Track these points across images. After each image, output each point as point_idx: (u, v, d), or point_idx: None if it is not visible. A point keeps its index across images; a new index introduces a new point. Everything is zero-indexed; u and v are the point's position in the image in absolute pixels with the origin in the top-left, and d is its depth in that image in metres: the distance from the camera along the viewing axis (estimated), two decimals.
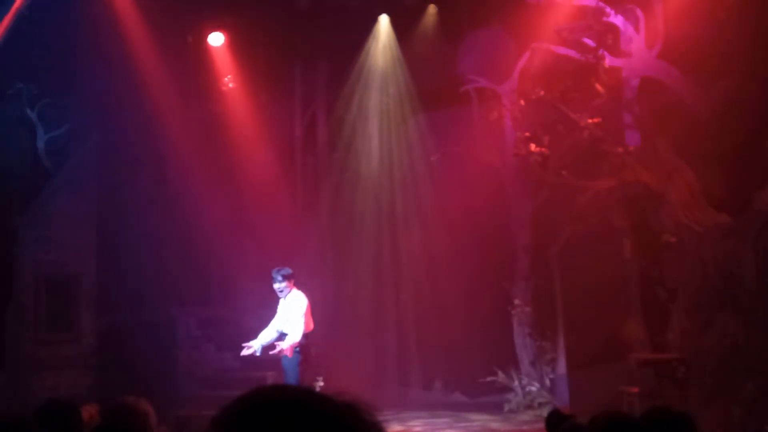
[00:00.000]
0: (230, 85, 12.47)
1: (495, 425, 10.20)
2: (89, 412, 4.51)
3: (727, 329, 8.65)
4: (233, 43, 12.33)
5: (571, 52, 9.87)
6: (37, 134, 12.11)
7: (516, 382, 11.02)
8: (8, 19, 10.62)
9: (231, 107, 12.59)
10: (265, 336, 8.20)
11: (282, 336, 8.18)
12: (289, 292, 8.17)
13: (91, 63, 12.10)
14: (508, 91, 11.07)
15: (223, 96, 12.58)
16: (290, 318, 8.02)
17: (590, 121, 9.69)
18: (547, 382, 10.92)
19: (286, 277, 8.14)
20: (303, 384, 7.80)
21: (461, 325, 11.80)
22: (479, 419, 10.52)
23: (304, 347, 8.09)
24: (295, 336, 7.92)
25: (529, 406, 10.83)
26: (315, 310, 8.36)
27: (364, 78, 12.82)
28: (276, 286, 8.15)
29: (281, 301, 8.25)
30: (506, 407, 10.89)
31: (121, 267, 12.04)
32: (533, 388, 10.92)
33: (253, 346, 8.14)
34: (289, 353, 7.88)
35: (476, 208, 11.41)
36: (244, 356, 8.25)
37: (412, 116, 12.68)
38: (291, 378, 7.96)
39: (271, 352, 8.01)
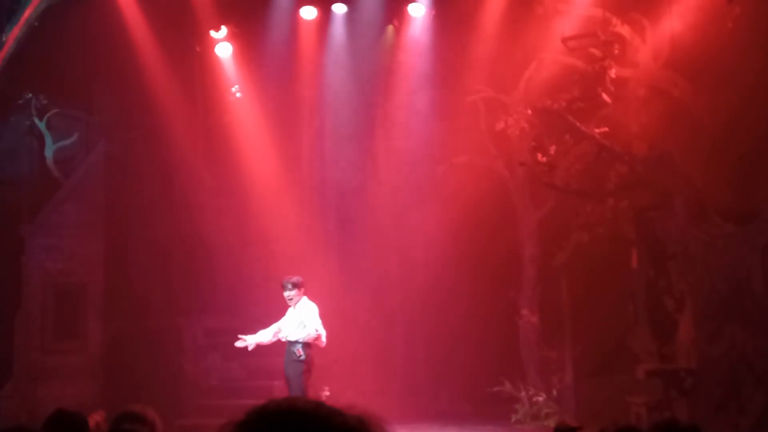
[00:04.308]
0: (237, 95, 12.52)
1: None
2: (95, 419, 4.52)
3: (735, 340, 8.61)
4: (241, 53, 12.39)
5: (578, 62, 9.87)
6: (45, 144, 12.19)
7: (523, 393, 10.97)
8: (17, 29, 10.70)
9: (238, 117, 12.63)
10: (262, 335, 8.25)
11: (279, 342, 8.24)
12: (299, 300, 8.18)
13: (99, 73, 12.18)
14: (515, 100, 11.08)
15: (231, 106, 12.63)
16: (307, 322, 8.04)
17: (597, 130, 9.68)
18: (554, 392, 10.87)
19: (296, 286, 8.16)
20: (307, 393, 7.82)
21: (468, 335, 11.76)
22: (486, 430, 10.47)
23: (308, 357, 8.09)
24: (320, 333, 8.00)
25: (536, 417, 10.78)
26: (322, 319, 8.36)
27: (371, 87, 12.84)
28: (286, 294, 8.16)
29: (290, 309, 8.26)
30: (513, 418, 10.84)
31: (128, 276, 12.08)
32: (540, 399, 10.86)
33: (248, 340, 8.21)
34: (321, 343, 8.05)
35: (483, 217, 11.40)
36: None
37: (418, 126, 12.69)
38: (295, 387, 7.95)
39: (308, 340, 8.02)
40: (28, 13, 10.73)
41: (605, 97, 9.39)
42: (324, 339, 8.11)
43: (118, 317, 11.75)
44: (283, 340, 8.21)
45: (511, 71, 11.22)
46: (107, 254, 11.83)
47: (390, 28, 12.66)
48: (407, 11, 12.20)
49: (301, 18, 12.26)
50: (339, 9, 12.28)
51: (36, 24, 10.99)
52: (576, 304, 10.85)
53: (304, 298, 8.22)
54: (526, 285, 11.50)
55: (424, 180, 12.41)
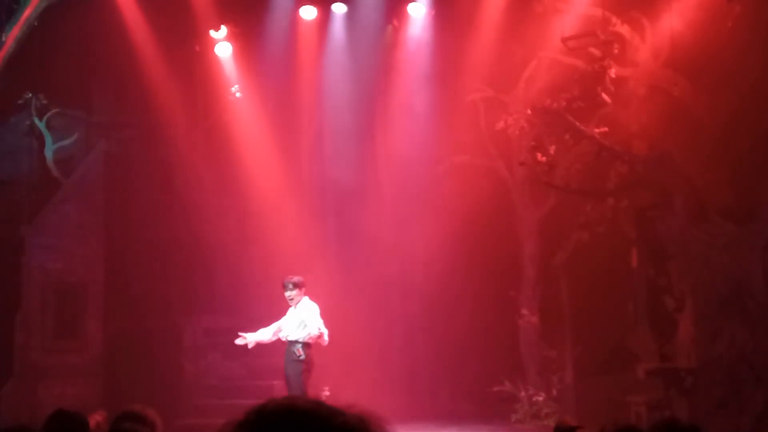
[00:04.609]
0: (237, 95, 12.52)
1: None
2: (96, 419, 4.51)
3: (735, 339, 8.62)
4: (240, 53, 12.38)
5: (578, 62, 9.87)
6: (45, 144, 12.19)
7: (523, 392, 10.98)
8: (17, 29, 10.70)
9: (238, 117, 12.63)
10: (263, 334, 8.27)
11: (279, 341, 8.25)
12: (300, 300, 8.18)
13: (99, 73, 12.18)
14: (515, 100, 11.08)
15: (230, 106, 12.63)
16: (309, 322, 8.04)
17: (597, 130, 9.68)
18: (554, 391, 10.87)
19: (297, 286, 8.17)
20: (307, 393, 7.82)
21: (468, 335, 11.76)
22: (486, 429, 10.47)
23: (308, 356, 8.10)
24: (323, 331, 8.00)
25: (536, 416, 10.78)
26: (322, 319, 8.36)
27: (370, 87, 12.84)
28: (287, 294, 8.17)
29: (290, 309, 8.26)
30: (513, 417, 10.85)
31: (128, 275, 12.07)
32: (540, 398, 10.87)
33: (248, 338, 8.24)
34: (324, 341, 8.06)
35: (483, 217, 11.40)
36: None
37: (418, 125, 12.68)
38: (295, 387, 7.96)
39: (310, 339, 8.01)
40: (27, 12, 10.73)
41: (605, 96, 9.39)
42: (326, 337, 8.12)
43: (118, 317, 11.75)
44: (284, 339, 8.22)
45: (511, 71, 11.22)
46: (107, 254, 11.83)
47: (389, 27, 12.66)
48: (407, 11, 12.20)
49: (301, 18, 12.25)
50: (339, 9, 12.27)
51: (36, 24, 10.99)
52: (576, 303, 10.85)
53: (305, 298, 8.22)
54: (526, 284, 11.49)
55: (424, 179, 12.41)
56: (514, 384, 11.02)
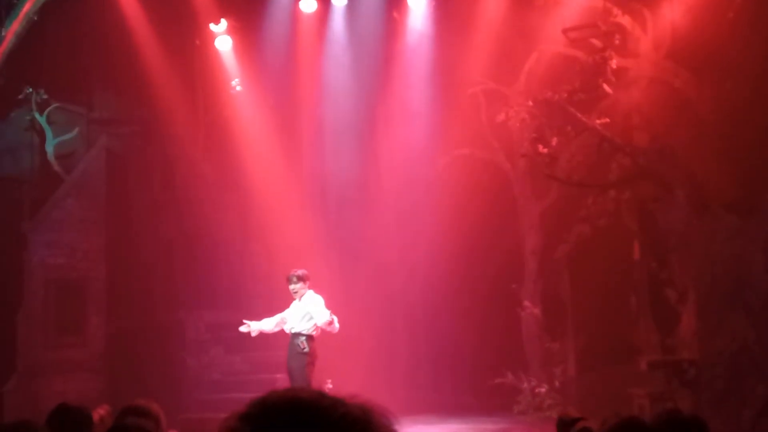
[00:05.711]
0: (238, 88, 12.50)
1: (504, 427, 10.17)
2: (99, 413, 4.52)
3: (737, 331, 8.61)
4: (240, 46, 12.36)
5: (579, 53, 9.84)
6: (46, 139, 12.19)
7: (525, 384, 10.99)
8: (17, 24, 10.69)
9: (238, 111, 12.61)
10: (266, 323, 8.30)
11: (282, 334, 8.26)
12: (305, 293, 8.18)
13: (99, 68, 12.17)
14: (516, 92, 11.05)
15: (231, 100, 12.61)
16: (316, 312, 8.04)
17: (598, 121, 9.65)
18: (557, 383, 10.89)
19: (301, 279, 8.17)
20: (311, 386, 7.83)
21: (470, 327, 11.77)
22: (488, 421, 10.49)
23: (311, 349, 8.10)
24: (333, 317, 8.00)
25: (539, 408, 10.80)
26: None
27: (371, 80, 12.81)
28: (291, 287, 8.17)
29: (294, 302, 8.26)
30: (515, 409, 10.87)
31: (130, 271, 12.08)
32: (542, 390, 10.88)
33: (251, 326, 8.25)
34: (334, 329, 8.05)
35: (485, 210, 11.39)
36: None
37: (419, 119, 12.66)
38: (298, 380, 7.96)
39: (322, 326, 8.02)
40: (27, 7, 10.72)
41: (606, 87, 9.35)
42: (337, 324, 8.10)
43: (120, 312, 11.77)
44: (288, 331, 8.23)
45: (512, 63, 11.18)
46: (109, 249, 11.84)
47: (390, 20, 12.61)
48: (407, 3, 12.16)
49: (301, 11, 12.22)
50: (339, 1, 12.25)
51: (35, 18, 10.97)
52: (578, 296, 10.85)
53: (310, 291, 8.22)
54: (528, 277, 11.49)
55: (425, 173, 12.39)
56: (516, 376, 11.04)
